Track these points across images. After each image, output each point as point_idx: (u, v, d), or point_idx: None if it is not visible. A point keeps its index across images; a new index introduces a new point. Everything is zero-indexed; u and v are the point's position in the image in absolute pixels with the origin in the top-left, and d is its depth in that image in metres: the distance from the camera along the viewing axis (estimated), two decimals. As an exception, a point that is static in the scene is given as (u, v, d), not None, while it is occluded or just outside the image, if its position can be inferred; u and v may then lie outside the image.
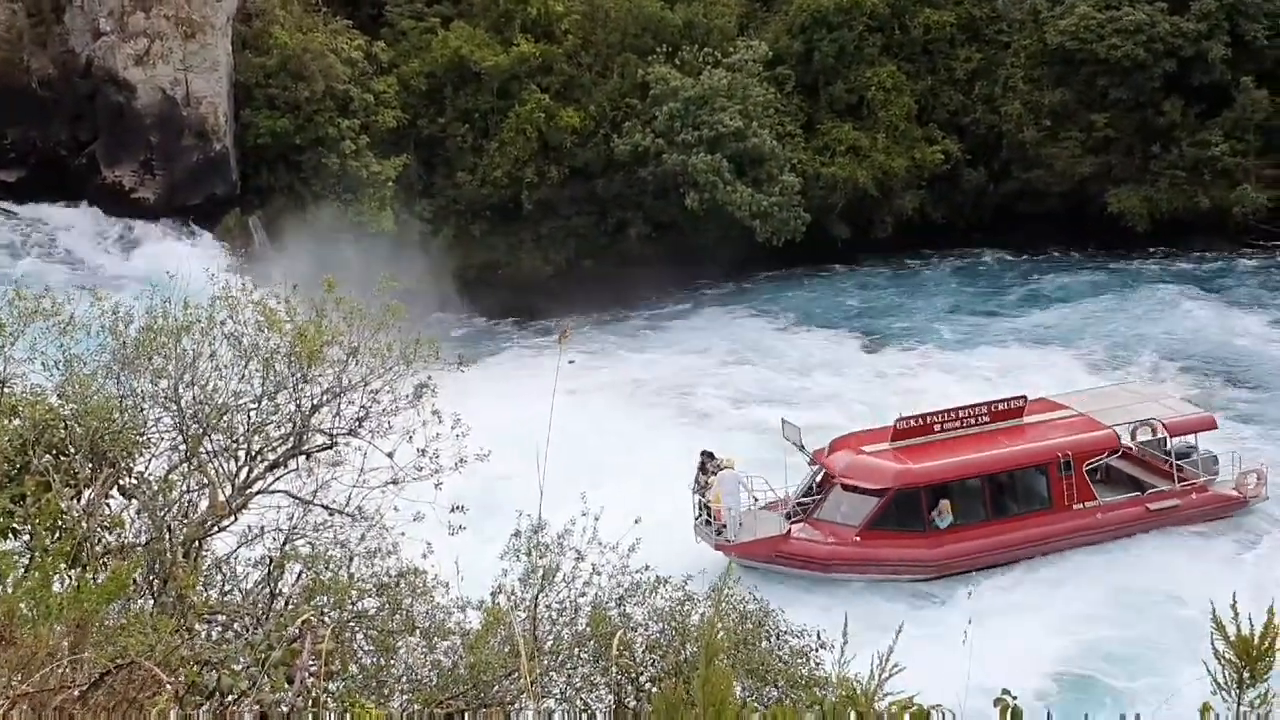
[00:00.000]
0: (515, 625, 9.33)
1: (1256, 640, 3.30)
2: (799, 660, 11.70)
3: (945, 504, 28.50)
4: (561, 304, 47.48)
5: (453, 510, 11.02)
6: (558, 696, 10.29)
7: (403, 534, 11.00)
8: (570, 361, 41.96)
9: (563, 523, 11.28)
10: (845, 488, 28.80)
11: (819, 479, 29.60)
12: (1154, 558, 28.36)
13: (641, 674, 10.67)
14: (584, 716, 10.09)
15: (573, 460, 32.13)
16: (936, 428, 29.45)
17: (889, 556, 27.87)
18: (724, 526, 28.31)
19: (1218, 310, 46.03)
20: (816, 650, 11.96)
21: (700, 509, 29.06)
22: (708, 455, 29.61)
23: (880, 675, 3.38)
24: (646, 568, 11.83)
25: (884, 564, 27.86)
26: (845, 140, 52.91)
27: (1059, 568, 28.41)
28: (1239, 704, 3.18)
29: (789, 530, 28.35)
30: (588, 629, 10.78)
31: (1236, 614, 3.35)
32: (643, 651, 11.02)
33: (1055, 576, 28.20)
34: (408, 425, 11.24)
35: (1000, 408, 30.18)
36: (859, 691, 3.60)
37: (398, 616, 10.27)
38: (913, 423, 29.41)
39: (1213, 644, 3.31)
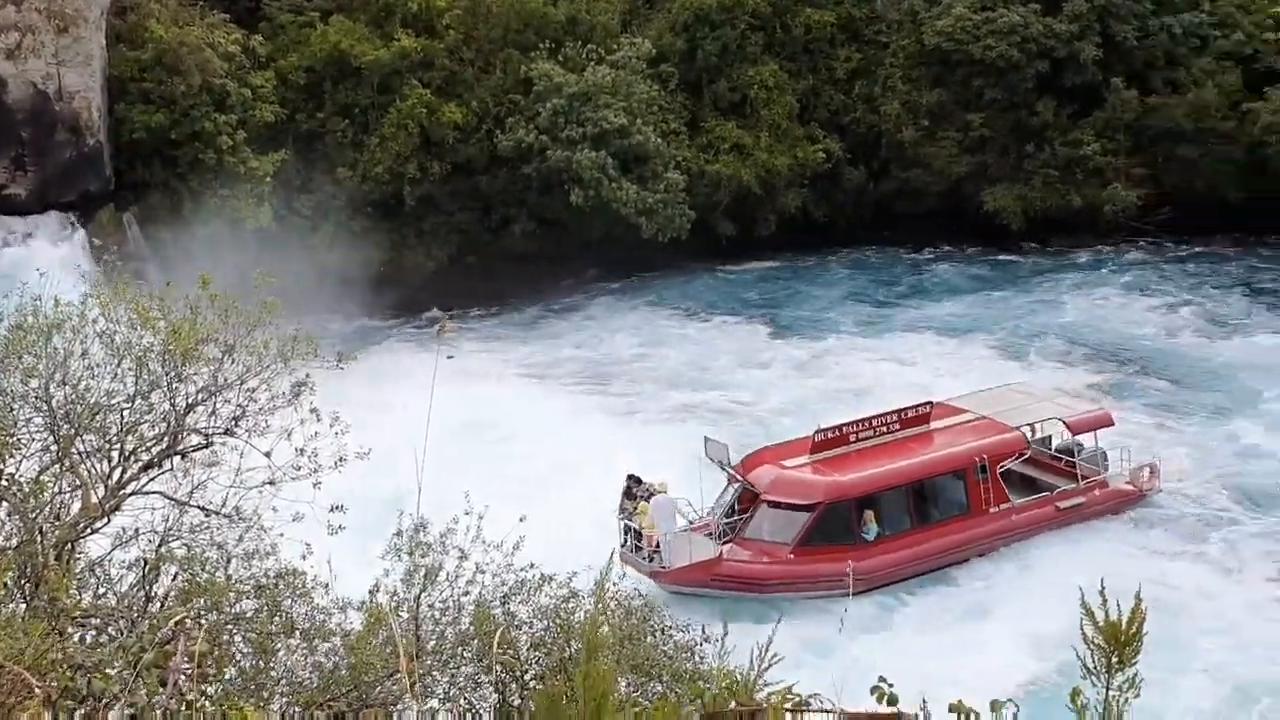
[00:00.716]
0: (395, 626, 9.24)
1: (1124, 626, 3.35)
2: (684, 655, 11.74)
3: (870, 515, 28.22)
4: (445, 300, 47.28)
5: (332, 510, 10.88)
6: (441, 696, 10.21)
7: (281, 535, 10.84)
8: (449, 357, 41.76)
9: (450, 519, 11.21)
10: (772, 505, 28.13)
11: (740, 496, 28.89)
12: (1068, 554, 28.64)
13: (526, 672, 10.63)
14: (468, 716, 10.04)
15: (462, 456, 32.13)
16: (852, 438, 29.14)
17: (824, 572, 27.21)
18: (656, 553, 27.47)
19: (1103, 302, 47.01)
20: (701, 645, 12.02)
21: (626, 534, 27.97)
22: (634, 480, 28.56)
23: (760, 666, 3.39)
24: (532, 566, 11.79)
25: (819, 580, 27.24)
26: (729, 138, 53.23)
27: (980, 568, 28.63)
28: (1108, 688, 3.24)
29: (721, 553, 27.61)
30: (471, 628, 10.71)
31: (1105, 601, 3.40)
32: (527, 649, 10.97)
33: (983, 575, 28.46)
34: (286, 424, 11.07)
35: (909, 414, 30.03)
36: (739, 682, 3.61)
37: (277, 618, 10.12)
38: (830, 434, 29.02)
39: (1083, 630, 3.37)
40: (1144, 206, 53.42)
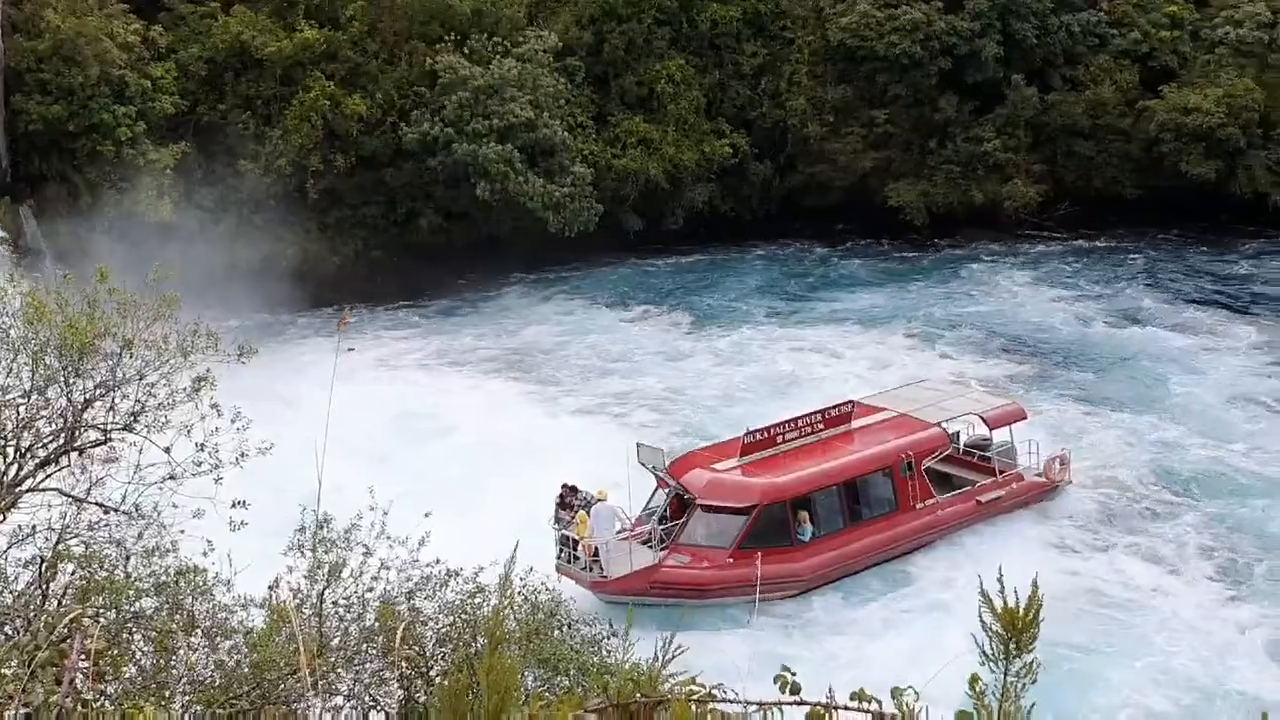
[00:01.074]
0: (294, 622, 9.13)
1: (1022, 613, 3.40)
2: (590, 649, 11.74)
3: (804, 515, 28.09)
4: (350, 294, 46.83)
5: (234, 506, 10.73)
6: (346, 693, 10.11)
7: (182, 531, 10.67)
8: (350, 349, 41.41)
9: (354, 515, 11.11)
10: (708, 509, 27.67)
11: (671, 501, 28.47)
12: (995, 549, 28.86)
13: (432, 668, 10.56)
14: (372, 713, 9.96)
15: (380, 449, 31.78)
16: (780, 440, 29.03)
17: (763, 574, 26.94)
18: (595, 562, 26.94)
19: (1012, 296, 47.72)
20: (607, 639, 12.02)
21: (562, 545, 27.40)
22: (569, 489, 27.90)
23: (664, 657, 3.40)
24: (437, 561, 11.72)
25: (753, 582, 26.95)
26: (636, 133, 53.32)
27: (921, 564, 28.71)
28: (1005, 674, 3.28)
29: (659, 559, 27.23)
30: (376, 624, 10.62)
31: (1003, 588, 3.45)
32: (433, 645, 10.90)
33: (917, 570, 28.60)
34: (186, 419, 10.89)
35: (832, 414, 30.00)
36: (644, 674, 3.61)
37: (178, 616, 9.96)
38: (759, 436, 28.84)
39: (980, 617, 3.41)
40: (1043, 203, 54.33)
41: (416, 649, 10.54)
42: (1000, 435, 31.52)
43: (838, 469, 28.91)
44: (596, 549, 26.92)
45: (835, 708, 3.40)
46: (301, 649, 7.13)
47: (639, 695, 3.48)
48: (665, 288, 50.49)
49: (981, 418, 31.34)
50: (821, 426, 29.67)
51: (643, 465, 28.64)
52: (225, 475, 10.85)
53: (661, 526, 27.95)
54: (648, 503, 28.69)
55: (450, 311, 48.31)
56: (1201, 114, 51.70)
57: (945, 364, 41.02)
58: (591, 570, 26.91)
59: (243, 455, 10.81)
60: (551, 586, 12.32)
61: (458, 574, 11.45)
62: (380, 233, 50.32)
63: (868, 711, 3.38)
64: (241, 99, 49.03)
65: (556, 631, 11.84)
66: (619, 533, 27.19)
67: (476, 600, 11.21)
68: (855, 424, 30.21)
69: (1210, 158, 51.98)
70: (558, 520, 27.60)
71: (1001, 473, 30.90)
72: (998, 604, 3.51)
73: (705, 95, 55.09)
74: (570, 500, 27.76)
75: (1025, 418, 31.93)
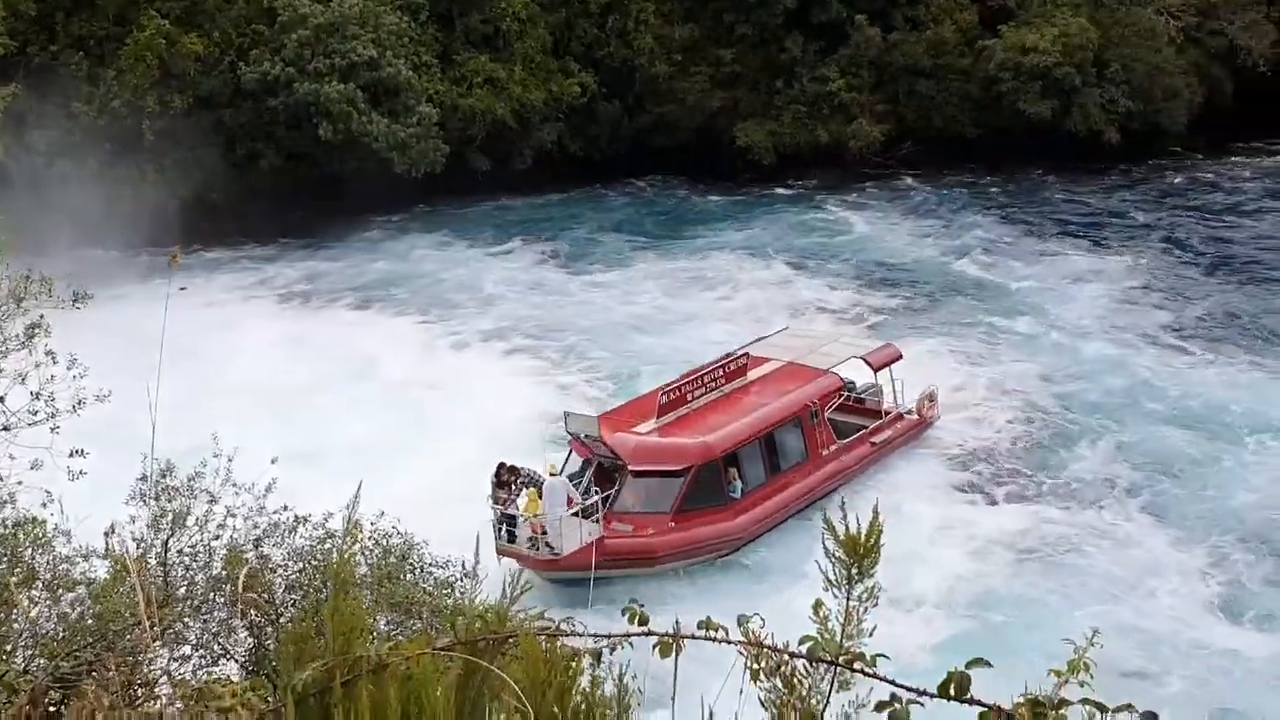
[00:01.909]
0: (134, 574, 8.95)
1: (863, 539, 3.45)
2: (444, 591, 11.69)
3: (734, 472, 27.75)
4: (193, 236, 45.73)
5: (72, 455, 10.45)
6: (194, 643, 9.96)
7: (19, 483, 10.37)
8: (182, 289, 40.68)
9: (203, 461, 10.91)
10: (640, 474, 26.96)
11: (595, 468, 27.56)
12: (903, 492, 28.98)
13: (281, 615, 10.44)
14: (221, 660, 9.83)
15: (220, 393, 31.11)
16: (690, 397, 28.62)
17: (704, 535, 26.61)
18: (545, 541, 25.79)
19: (867, 232, 48.37)
20: (461, 580, 11.98)
21: (501, 524, 25.88)
22: (508, 468, 26.49)
23: (512, 594, 3.39)
24: (285, 508, 11.57)
25: (700, 544, 26.60)
26: (482, 72, 52.74)
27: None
28: (848, 599, 3.33)
29: (603, 530, 26.28)
30: (223, 572, 10.46)
31: (845, 515, 3.49)
32: (283, 592, 10.77)
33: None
34: (20, 368, 10.56)
35: (731, 367, 29.79)
36: (492, 611, 3.60)
37: (17, 569, 9.70)
38: (673, 395, 28.33)
39: (824, 544, 3.45)
40: (887, 142, 55.09)
41: (265, 596, 10.41)
42: (872, 377, 31.74)
43: (758, 423, 28.56)
44: (543, 527, 25.74)
45: (682, 637, 3.43)
46: (140, 598, 6.98)
47: (487, 632, 3.48)
48: (526, 226, 50.14)
49: (865, 360, 31.42)
50: (724, 381, 29.43)
51: (572, 435, 27.54)
52: (60, 424, 10.56)
53: (589, 497, 26.87)
54: (561, 472, 27.32)
55: (299, 252, 47.67)
56: (1038, 53, 52.78)
57: (832, 296, 41.60)
58: (539, 549, 25.79)
59: (80, 403, 10.53)
60: (404, 530, 12.22)
61: (306, 520, 11.31)
62: (220, 175, 49.10)
63: (714, 639, 3.41)
64: (74, 39, 47.35)
65: (409, 575, 11.78)
66: (570, 509, 26.04)
67: (326, 546, 11.09)
68: (752, 375, 30.09)
69: (1046, 96, 53.14)
70: (495, 500, 26.21)
71: (886, 413, 31.18)
72: (840, 531, 3.55)
73: (552, 34, 54.68)
74: (509, 479, 26.48)
75: (901, 357, 32.09)
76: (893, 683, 3.26)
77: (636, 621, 3.48)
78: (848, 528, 3.49)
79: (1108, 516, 27.92)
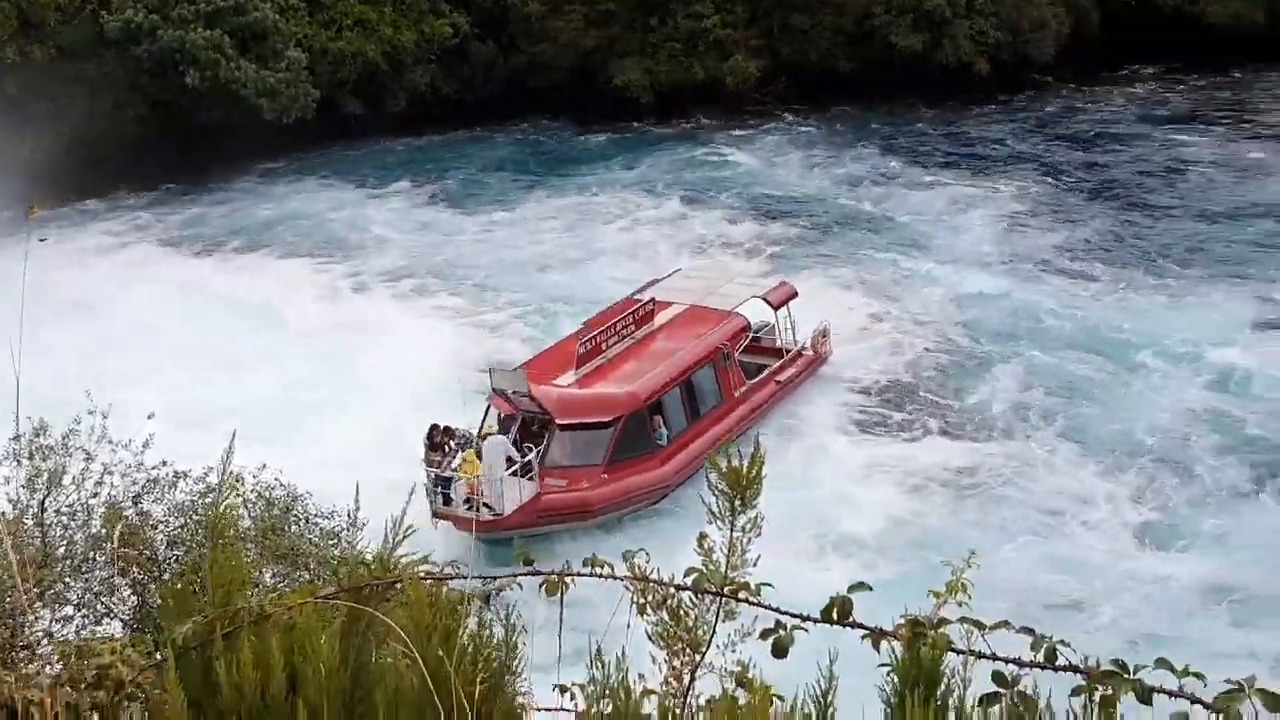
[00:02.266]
0: (7, 534, 8.75)
1: (746, 472, 3.47)
2: (330, 542, 11.60)
3: (659, 419, 27.56)
4: (60, 189, 44.48)
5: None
6: (75, 603, 9.79)
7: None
8: (42, 240, 39.80)
9: (77, 418, 10.70)
10: (568, 427, 26.51)
11: (520, 424, 26.69)
12: (811, 429, 29.25)
13: (165, 572, 10.29)
14: (104, 619, 9.67)
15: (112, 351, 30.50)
16: (604, 346, 28.29)
17: (637, 485, 26.37)
18: (483, 502, 25.13)
19: (759, 166, 48.51)
20: (348, 530, 11.90)
21: (437, 487, 25.26)
22: (442, 430, 26.05)
23: (395, 539, 3.37)
24: (164, 463, 11.39)
25: (634, 494, 26.39)
26: (351, 14, 51.86)
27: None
28: (732, 530, 3.36)
29: (540, 487, 25.94)
30: (103, 530, 10.27)
31: (729, 454, 3.52)
32: (165, 548, 10.62)
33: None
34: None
35: (640, 314, 29.54)
36: (377, 558, 3.58)
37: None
38: (590, 345, 27.96)
39: (707, 478, 3.47)
40: (763, 78, 55.17)
41: (147, 553, 10.25)
42: (772, 316, 31.75)
43: (677, 368, 28.33)
44: (482, 488, 25.22)
45: (567, 576, 3.43)
46: (13, 559, 6.83)
47: (371, 579, 3.45)
48: (408, 168, 49.62)
49: (765, 300, 31.41)
50: (634, 328, 29.20)
51: (497, 391, 26.68)
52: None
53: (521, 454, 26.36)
54: (481, 428, 27.00)
55: (178, 201, 46.87)
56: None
57: (732, 230, 41.87)
58: (479, 511, 25.09)
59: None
60: (286, 482, 12.09)
61: (186, 475, 11.15)
62: (87, 127, 47.68)
63: (601, 576, 3.42)
64: (-78, -13, 45.66)
65: (295, 527, 11.68)
66: (509, 468, 25.50)
67: (207, 500, 10.94)
68: (659, 320, 29.89)
69: (918, 29, 53.58)
70: (429, 462, 25.66)
71: (786, 352, 31.25)
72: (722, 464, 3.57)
73: (422, -26, 53.84)
74: (443, 441, 26.00)
75: (797, 294, 32.09)
76: (777, 610, 3.29)
77: (523, 562, 3.48)
78: (729, 460, 3.50)
79: (1033, 447, 28.26)
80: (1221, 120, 50.45)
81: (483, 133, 53.44)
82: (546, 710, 3.49)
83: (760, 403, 29.86)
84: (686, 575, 3.41)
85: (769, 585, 3.40)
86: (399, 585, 3.41)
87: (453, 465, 25.55)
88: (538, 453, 26.20)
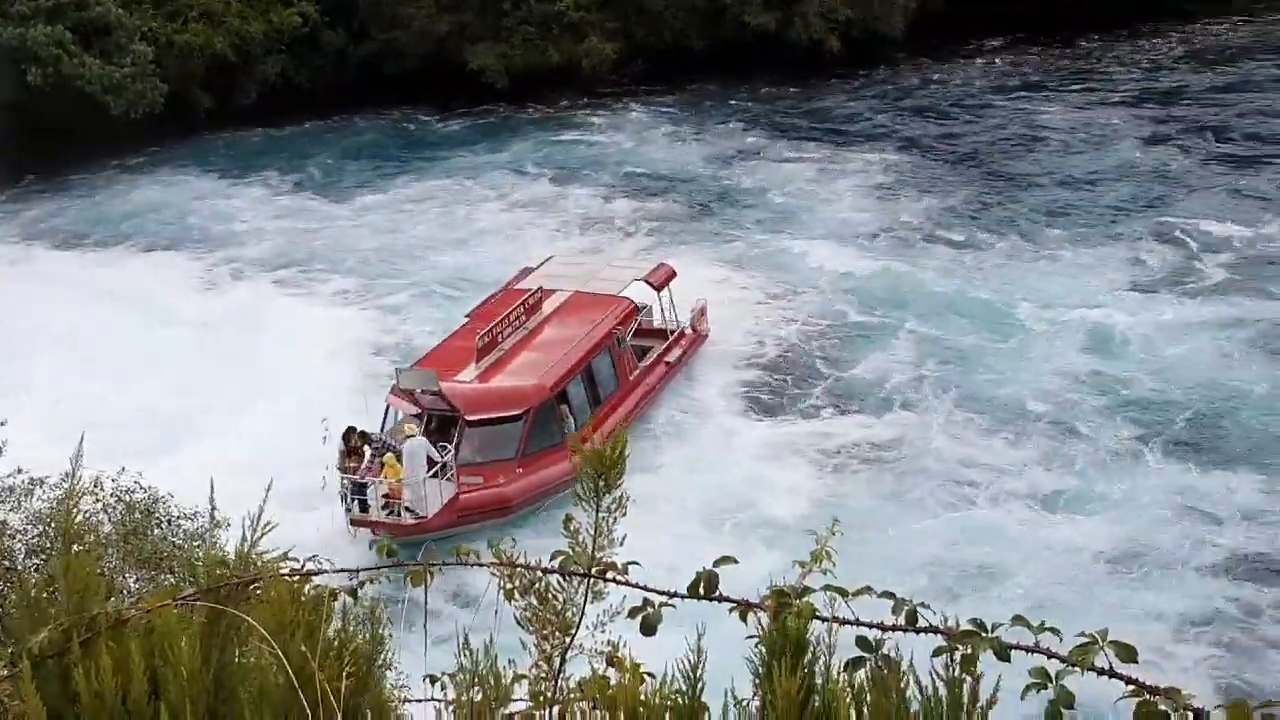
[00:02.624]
0: None
1: (610, 453, 3.49)
2: (195, 544, 11.42)
3: (564, 409, 27.19)
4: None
5: None
6: (-70, 619, 9.49)
7: None
8: None
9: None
10: (476, 423, 26.02)
11: (424, 423, 26.04)
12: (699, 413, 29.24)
13: (25, 581, 10.02)
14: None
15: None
16: (500, 337, 27.84)
17: (552, 476, 25.66)
18: (404, 506, 24.69)
19: (630, 146, 48.48)
20: (212, 530, 11.69)
21: (353, 494, 24.66)
22: (357, 433, 25.24)
23: (253, 535, 3.31)
24: (20, 470, 11.12)
25: (549, 485, 25.70)
26: (197, 5, 50.84)
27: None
28: (598, 511, 3.37)
29: (459, 488, 25.46)
30: (-44, 543, 9.99)
31: (596, 442, 3.52)
32: (24, 558, 10.37)
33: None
34: None
35: (530, 302, 29.16)
36: (237, 556, 3.53)
37: None
38: (488, 338, 27.48)
39: (572, 460, 3.47)
40: (619, 60, 55.17)
41: (6, 563, 10.00)
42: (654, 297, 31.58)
43: (576, 355, 28.01)
44: (402, 492, 24.71)
45: (432, 566, 3.41)
46: None
47: (230, 578, 3.39)
48: (267, 159, 48.75)
49: (648, 282, 31.20)
50: (525, 317, 28.84)
51: (404, 391, 25.84)
52: None
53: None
54: (385, 429, 26.45)
55: (32, 199, 45.61)
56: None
57: (608, 209, 41.97)
58: (401, 515, 24.68)
59: None
60: (146, 485, 11.85)
61: (42, 482, 10.89)
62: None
63: (467, 564, 3.41)
64: None
65: (157, 530, 11.47)
66: (430, 470, 24.92)
67: (67, 506, 10.68)
68: (547, 308, 29.54)
69: (769, 8, 53.93)
70: (343, 469, 24.93)
71: (671, 332, 31.14)
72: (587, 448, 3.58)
73: (268, -37, 52.90)
74: (358, 445, 25.16)
75: (676, 275, 31.94)
76: (644, 588, 3.31)
77: (385, 554, 3.45)
78: (593, 444, 3.51)
79: (935, 419, 28.45)
80: (1072, 89, 51.55)
81: (338, 121, 52.75)
82: (417, 701, 3.47)
83: (653, 385, 29.77)
84: (553, 558, 3.41)
85: (636, 564, 3.41)
86: (259, 583, 3.36)
87: (370, 470, 24.94)
88: (450, 452, 25.71)
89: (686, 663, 3.16)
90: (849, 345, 32.36)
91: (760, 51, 54.03)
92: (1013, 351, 31.26)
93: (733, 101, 52.90)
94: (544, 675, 3.31)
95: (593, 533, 3.45)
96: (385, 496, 24.93)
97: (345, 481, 24.75)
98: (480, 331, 27.97)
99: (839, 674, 3.09)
